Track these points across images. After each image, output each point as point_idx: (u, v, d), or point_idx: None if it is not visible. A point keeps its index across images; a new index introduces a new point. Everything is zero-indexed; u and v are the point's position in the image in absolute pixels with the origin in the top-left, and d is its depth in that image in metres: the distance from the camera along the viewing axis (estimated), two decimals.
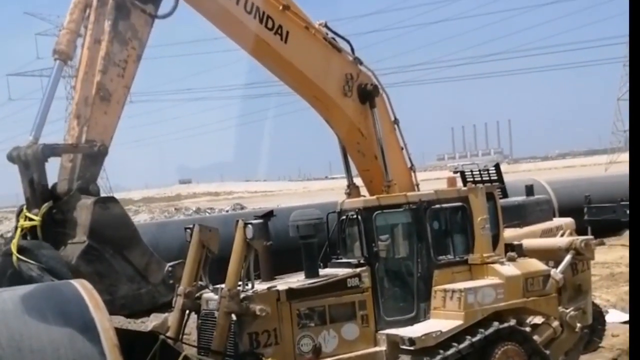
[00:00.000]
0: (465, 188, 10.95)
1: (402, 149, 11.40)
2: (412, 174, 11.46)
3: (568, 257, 11.13)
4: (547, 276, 10.69)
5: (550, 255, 11.33)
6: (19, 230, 8.43)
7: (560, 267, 10.99)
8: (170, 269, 8.76)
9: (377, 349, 9.95)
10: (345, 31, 11.00)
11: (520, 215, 12.54)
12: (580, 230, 14.38)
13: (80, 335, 6.57)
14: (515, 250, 10.92)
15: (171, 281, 8.94)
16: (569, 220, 13.40)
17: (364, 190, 11.38)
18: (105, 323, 6.73)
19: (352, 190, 11.44)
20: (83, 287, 7.06)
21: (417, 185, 11.42)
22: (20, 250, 8.11)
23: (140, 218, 48.34)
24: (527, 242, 11.40)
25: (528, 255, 11.05)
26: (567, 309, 11.20)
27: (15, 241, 8.29)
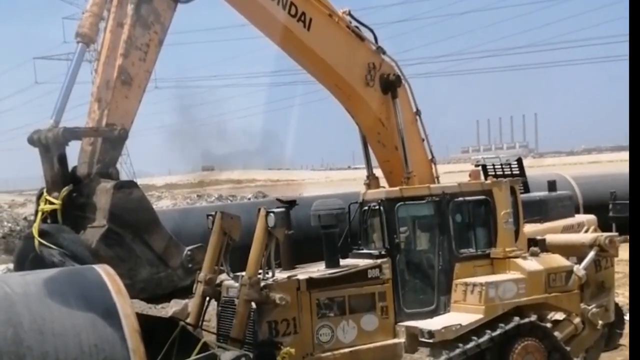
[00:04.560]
0: (489, 181, 10.89)
1: (423, 140, 11.34)
2: (433, 166, 11.40)
3: (592, 254, 11.03)
4: (569, 272, 10.61)
5: (574, 251, 11.24)
6: (39, 214, 8.47)
7: (584, 263, 10.90)
8: (189, 252, 8.75)
9: (396, 340, 9.93)
10: (373, 20, 10.97)
11: (541, 211, 12.46)
12: (605, 227, 14.24)
13: (102, 320, 6.60)
14: (538, 246, 10.85)
15: (190, 265, 8.96)
16: (591, 217, 13.29)
17: (383, 181, 11.34)
18: (127, 309, 6.75)
19: (372, 181, 11.41)
20: (105, 272, 7.08)
21: (438, 177, 11.38)
22: (42, 234, 8.13)
23: (162, 204, 48.57)
24: (551, 238, 11.32)
25: (551, 250, 10.97)
26: (589, 305, 11.09)
27: (36, 225, 8.33)
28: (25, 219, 33.71)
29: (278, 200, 9.86)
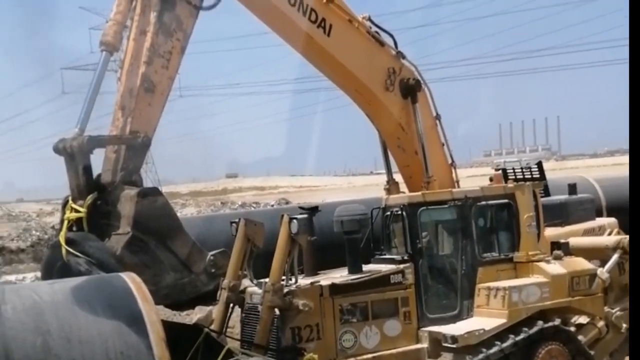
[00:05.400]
0: (511, 185, 10.87)
1: (443, 145, 11.33)
2: (453, 170, 11.38)
3: (615, 256, 10.97)
4: (593, 275, 10.56)
5: (597, 254, 11.18)
6: (65, 222, 8.57)
7: (607, 266, 10.84)
8: (212, 258, 8.82)
9: (419, 346, 9.93)
10: (395, 25, 11.01)
11: (561, 214, 12.38)
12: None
13: (128, 327, 6.66)
14: (561, 249, 10.81)
15: (213, 270, 9.02)
16: (612, 220, 13.18)
17: (403, 186, 11.35)
18: (153, 316, 6.82)
19: (392, 186, 11.41)
20: (131, 280, 7.16)
21: (458, 181, 11.36)
22: (68, 242, 8.24)
23: (187, 211, 48.83)
24: (574, 241, 11.27)
25: (574, 253, 10.92)
26: (613, 309, 11.02)
27: (62, 233, 8.44)
28: (53, 227, 34.03)
29: (300, 208, 9.90)
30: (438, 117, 11.28)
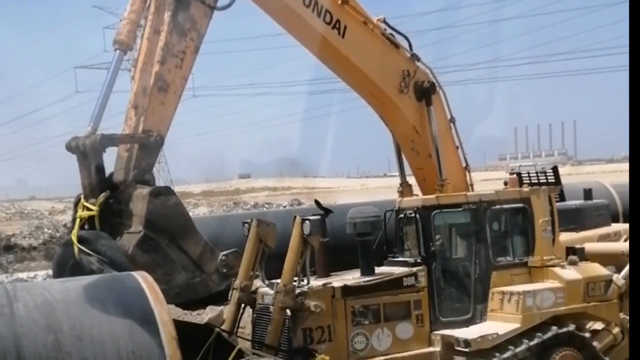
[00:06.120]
0: (527, 189, 10.79)
1: (458, 148, 11.28)
2: (467, 173, 11.32)
3: None
4: (609, 281, 10.48)
5: (613, 260, 11.08)
6: (77, 220, 8.58)
7: (623, 272, 10.73)
8: (223, 257, 8.81)
9: (431, 349, 9.89)
10: (412, 27, 10.98)
11: (577, 220, 12.30)
12: None
13: (140, 327, 6.65)
14: (577, 254, 10.72)
15: (225, 270, 9.01)
16: (627, 226, 13.07)
17: (416, 189, 11.30)
18: (165, 315, 6.81)
19: (405, 188, 11.37)
20: (143, 279, 7.15)
21: (472, 185, 11.31)
22: (80, 240, 8.26)
23: (199, 211, 48.88)
24: (589, 246, 11.18)
25: (590, 259, 10.82)
26: (628, 315, 10.92)
27: (75, 232, 8.45)
28: (65, 225, 34.13)
29: (316, 202, 9.88)
30: (453, 120, 11.23)
